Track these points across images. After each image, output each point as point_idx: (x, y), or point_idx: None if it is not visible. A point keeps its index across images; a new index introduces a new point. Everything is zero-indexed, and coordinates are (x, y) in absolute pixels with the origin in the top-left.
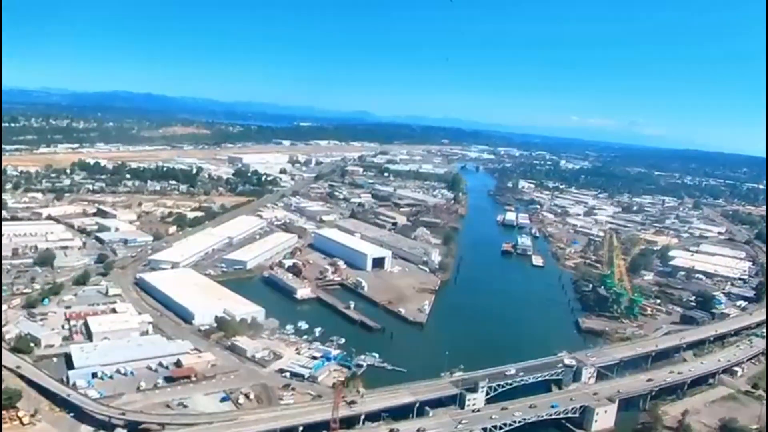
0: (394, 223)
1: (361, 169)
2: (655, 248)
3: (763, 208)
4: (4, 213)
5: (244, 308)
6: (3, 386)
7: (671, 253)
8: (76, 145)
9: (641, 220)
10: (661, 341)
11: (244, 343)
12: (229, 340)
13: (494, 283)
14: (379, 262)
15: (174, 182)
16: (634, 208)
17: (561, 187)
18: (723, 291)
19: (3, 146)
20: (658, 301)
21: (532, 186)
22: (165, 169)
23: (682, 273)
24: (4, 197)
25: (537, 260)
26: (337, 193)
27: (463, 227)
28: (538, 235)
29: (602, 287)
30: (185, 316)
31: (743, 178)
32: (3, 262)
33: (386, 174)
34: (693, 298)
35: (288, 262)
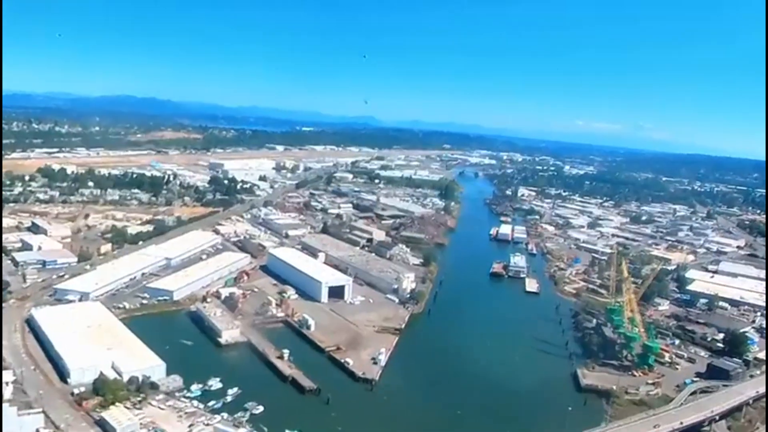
0: (369, 240)
1: (350, 176)
2: (668, 267)
3: None
4: None
5: (138, 362)
6: None
7: (688, 275)
8: (55, 150)
9: (651, 233)
10: (686, 413)
11: (117, 416)
12: (105, 410)
13: (476, 317)
14: (337, 292)
15: (137, 191)
16: (643, 218)
17: (564, 194)
18: (753, 325)
19: None
20: (677, 341)
21: (533, 193)
22: (135, 176)
23: (704, 301)
24: None
25: (531, 285)
26: (315, 203)
27: (449, 243)
28: (535, 252)
29: (608, 325)
30: (62, 372)
31: (755, 184)
32: None
33: (376, 181)
34: (720, 336)
35: (226, 292)
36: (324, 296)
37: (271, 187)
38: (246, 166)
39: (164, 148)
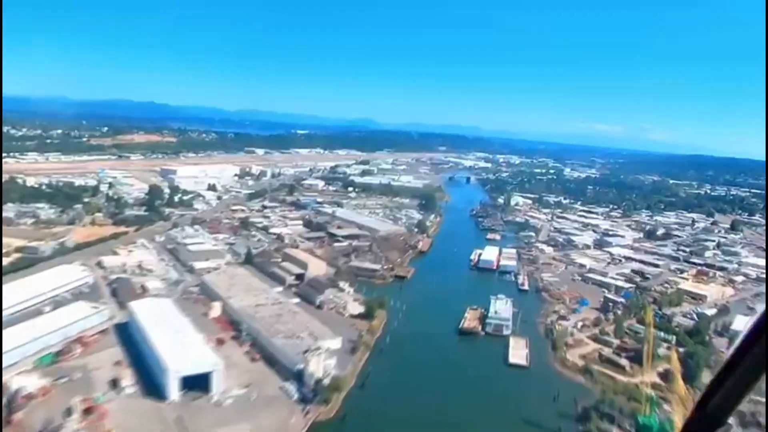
0: (300, 275)
1: (321, 183)
2: (702, 308)
3: None
4: None
5: None
6: None
7: (735, 325)
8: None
9: (672, 252)
10: None
11: None
12: None
13: (420, 428)
14: (199, 382)
15: (43, 205)
16: (659, 231)
17: (564, 202)
18: None
19: None
20: None
21: (529, 202)
22: (60, 184)
23: None
24: None
25: (517, 352)
26: (259, 220)
27: (414, 274)
28: (527, 286)
29: None
30: None
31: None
32: None
33: (350, 188)
34: None
35: (21, 382)
36: (173, 391)
37: (219, 198)
38: (203, 173)
39: (129, 152)
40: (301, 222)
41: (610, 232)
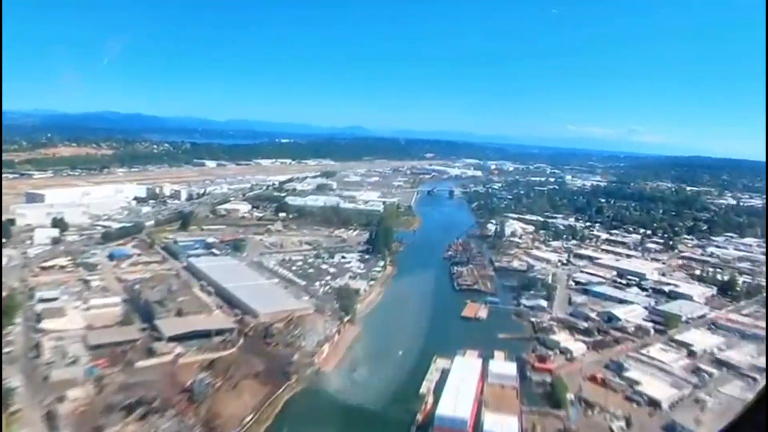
0: None
1: (246, 207)
2: None
3: None
4: None
5: None
6: None
7: None
8: None
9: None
10: None
11: None
12: None
13: None
14: None
15: None
16: (738, 284)
17: (577, 225)
18: None
19: None
20: None
21: (530, 228)
22: None
23: None
24: None
25: None
26: (52, 295)
27: None
28: None
29: None
30: None
31: None
32: None
33: (281, 214)
34: None
35: None
36: None
37: (57, 241)
38: (87, 196)
39: (43, 169)
40: (119, 304)
41: (666, 288)
